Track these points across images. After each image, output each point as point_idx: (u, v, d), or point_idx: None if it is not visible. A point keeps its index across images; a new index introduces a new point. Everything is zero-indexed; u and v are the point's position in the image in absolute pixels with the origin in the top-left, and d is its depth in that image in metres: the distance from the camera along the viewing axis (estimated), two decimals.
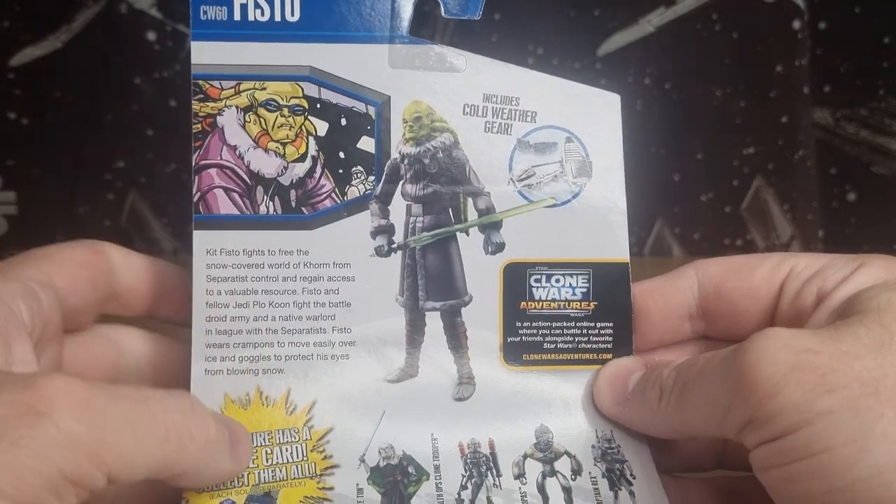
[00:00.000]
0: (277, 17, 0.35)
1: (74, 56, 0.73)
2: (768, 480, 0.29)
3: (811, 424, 0.26)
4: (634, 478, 0.34)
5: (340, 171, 0.36)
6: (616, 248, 0.37)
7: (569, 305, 0.37)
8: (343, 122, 0.36)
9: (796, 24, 0.71)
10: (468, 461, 0.34)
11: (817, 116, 0.74)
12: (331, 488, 0.33)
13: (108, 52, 0.74)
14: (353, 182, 0.36)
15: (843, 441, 0.26)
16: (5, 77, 0.73)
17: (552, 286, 0.37)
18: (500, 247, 0.37)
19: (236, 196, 0.36)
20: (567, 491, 0.34)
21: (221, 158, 0.36)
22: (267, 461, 0.34)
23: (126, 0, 0.72)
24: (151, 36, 0.73)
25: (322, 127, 0.36)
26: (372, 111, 0.36)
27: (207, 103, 0.36)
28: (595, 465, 0.34)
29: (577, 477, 0.34)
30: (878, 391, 0.26)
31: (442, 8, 0.36)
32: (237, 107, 0.36)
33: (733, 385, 0.28)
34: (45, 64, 0.73)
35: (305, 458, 0.34)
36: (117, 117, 0.74)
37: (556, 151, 0.37)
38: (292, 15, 0.35)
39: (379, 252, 0.36)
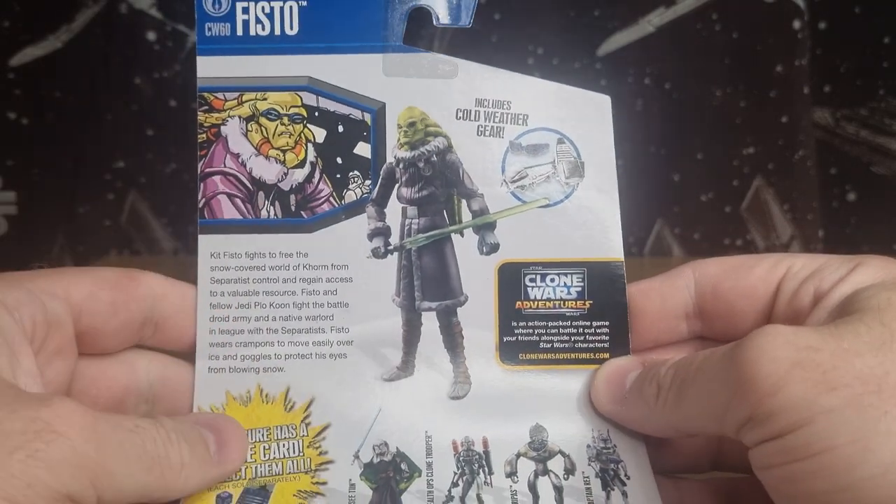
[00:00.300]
0: (277, 32, 0.37)
1: (74, 56, 0.73)
2: (768, 480, 0.29)
3: (812, 423, 0.26)
4: (629, 478, 0.34)
5: (338, 175, 0.37)
6: (610, 246, 0.37)
7: (564, 305, 0.37)
8: (340, 128, 0.37)
9: (796, 24, 0.71)
10: (461, 459, 0.35)
11: (817, 116, 0.74)
12: (324, 483, 0.34)
13: (108, 52, 0.74)
14: (351, 186, 0.37)
15: (846, 440, 0.26)
16: (5, 77, 0.73)
17: (547, 286, 0.37)
18: (494, 247, 0.37)
19: (239, 201, 0.37)
20: (558, 490, 0.34)
21: (225, 166, 0.37)
22: (265, 456, 0.34)
23: (126, 0, 0.73)
24: (151, 36, 0.73)
25: (320, 134, 0.37)
26: (368, 118, 0.37)
27: (212, 114, 0.37)
28: (589, 464, 0.35)
29: (570, 476, 0.34)
30: (881, 389, 0.26)
31: (434, 17, 0.37)
32: (240, 117, 0.37)
33: (733, 382, 0.28)
34: (45, 64, 0.73)
35: (301, 454, 0.35)
36: (117, 117, 0.74)
37: (547, 153, 0.37)
38: (291, 29, 0.37)
39: (376, 254, 0.37)
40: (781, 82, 0.73)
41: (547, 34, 0.73)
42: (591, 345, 0.37)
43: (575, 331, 0.37)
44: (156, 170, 0.75)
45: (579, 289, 0.37)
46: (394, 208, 0.37)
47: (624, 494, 0.33)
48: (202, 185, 0.37)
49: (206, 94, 0.37)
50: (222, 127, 0.37)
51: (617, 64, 0.73)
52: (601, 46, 0.73)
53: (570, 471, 0.34)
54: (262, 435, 0.35)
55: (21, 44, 0.73)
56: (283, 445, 0.35)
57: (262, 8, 0.36)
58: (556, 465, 0.35)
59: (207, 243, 0.37)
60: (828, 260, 0.33)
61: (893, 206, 0.74)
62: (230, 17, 0.36)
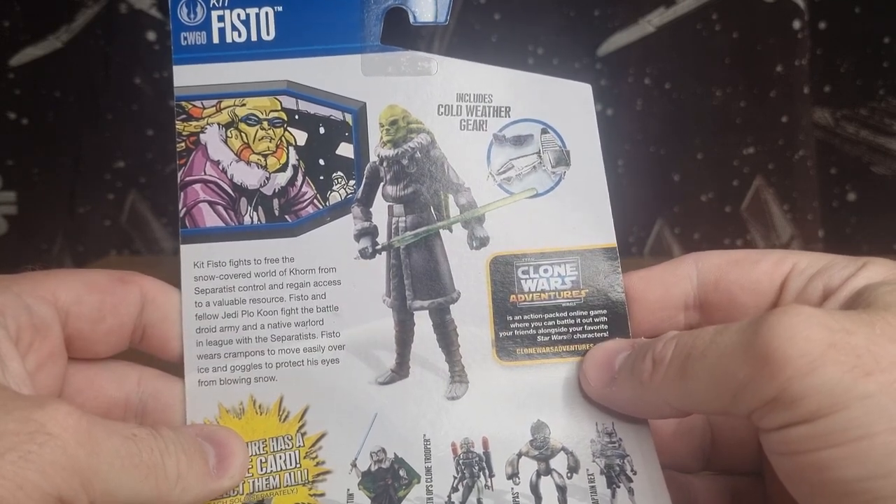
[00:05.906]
0: (254, 38, 0.36)
1: (74, 56, 0.73)
2: (790, 466, 0.27)
3: (848, 408, 0.25)
4: (635, 473, 0.33)
5: (321, 177, 0.37)
6: (602, 233, 0.36)
7: (560, 295, 0.36)
8: (322, 130, 0.37)
9: (796, 24, 0.71)
10: (460, 462, 0.34)
11: (817, 116, 0.74)
12: (322, 494, 0.33)
13: (108, 52, 0.74)
14: (335, 187, 0.37)
15: (886, 427, 0.25)
16: (5, 77, 0.73)
17: (541, 277, 0.36)
18: (484, 241, 0.37)
19: (221, 209, 0.37)
20: (562, 490, 0.33)
21: (205, 173, 0.37)
22: (262, 469, 0.34)
23: (126, 0, 0.73)
24: (151, 36, 0.73)
25: (301, 137, 0.37)
26: (349, 118, 0.37)
27: (190, 122, 0.37)
28: (593, 461, 0.33)
29: (574, 475, 0.33)
30: None
31: (411, 16, 0.37)
32: (219, 124, 0.37)
33: (756, 359, 0.26)
34: (45, 64, 0.73)
35: (298, 465, 0.34)
36: (117, 117, 0.74)
37: (532, 143, 0.37)
38: (268, 34, 0.37)
39: (363, 254, 0.36)
40: (781, 82, 0.73)
41: (547, 34, 0.73)
42: (590, 335, 0.36)
43: (573, 321, 0.36)
44: (156, 170, 0.75)
45: (574, 278, 0.37)
46: (380, 207, 0.37)
47: (630, 491, 0.33)
48: (182, 194, 0.36)
49: (183, 103, 0.37)
50: (201, 135, 0.37)
51: (617, 64, 0.73)
52: (601, 46, 0.73)
53: (573, 469, 0.33)
54: (259, 447, 0.34)
55: (21, 44, 0.73)
56: (280, 457, 0.34)
57: (238, 15, 0.36)
58: (559, 463, 0.34)
59: (189, 253, 0.36)
60: (834, 259, 0.33)
61: (893, 206, 0.74)
62: (206, 25, 0.36)
